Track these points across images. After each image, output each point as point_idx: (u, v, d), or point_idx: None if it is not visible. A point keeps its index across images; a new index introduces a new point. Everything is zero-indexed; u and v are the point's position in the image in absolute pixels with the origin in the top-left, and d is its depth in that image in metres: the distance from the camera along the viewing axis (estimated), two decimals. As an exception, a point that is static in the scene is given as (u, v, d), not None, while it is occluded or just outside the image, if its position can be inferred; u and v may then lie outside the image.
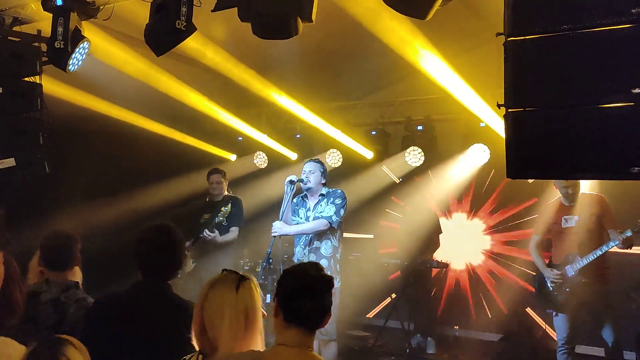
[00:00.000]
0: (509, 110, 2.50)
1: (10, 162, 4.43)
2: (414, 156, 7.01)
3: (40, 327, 2.78)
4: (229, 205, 5.75)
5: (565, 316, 4.77)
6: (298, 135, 7.93)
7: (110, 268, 4.78)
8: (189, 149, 7.70)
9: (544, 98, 2.48)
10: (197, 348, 2.18)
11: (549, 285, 4.84)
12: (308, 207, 4.91)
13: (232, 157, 8.36)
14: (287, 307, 2.04)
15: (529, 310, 6.68)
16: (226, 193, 6.08)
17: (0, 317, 1.91)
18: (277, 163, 8.00)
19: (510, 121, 2.50)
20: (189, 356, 2.18)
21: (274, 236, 4.62)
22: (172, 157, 7.58)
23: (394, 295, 6.77)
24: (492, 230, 7.15)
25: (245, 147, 8.24)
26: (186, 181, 7.55)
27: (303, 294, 2.03)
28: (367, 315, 7.49)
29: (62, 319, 2.84)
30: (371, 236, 7.65)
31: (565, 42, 2.40)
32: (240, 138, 8.18)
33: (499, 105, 2.53)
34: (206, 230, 5.52)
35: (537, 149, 2.48)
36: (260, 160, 8.19)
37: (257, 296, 2.20)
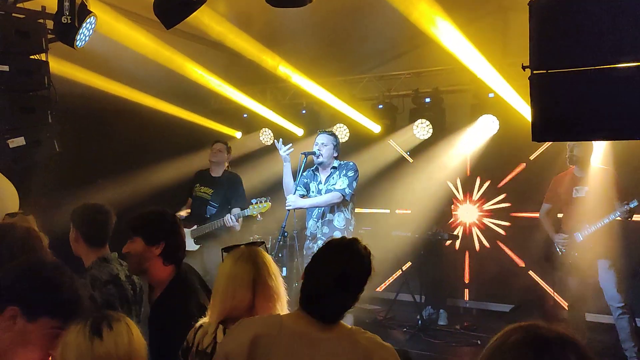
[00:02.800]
0: (534, 72, 2.47)
1: (20, 141, 4.38)
2: (422, 129, 6.95)
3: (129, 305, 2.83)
4: (221, 185, 5.70)
5: (573, 279, 5.09)
6: (304, 111, 7.87)
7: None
8: (195, 126, 7.65)
9: (569, 59, 2.44)
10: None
11: (558, 250, 5.14)
12: (319, 180, 4.89)
13: (238, 134, 8.32)
14: (308, 306, 1.93)
15: (539, 280, 6.71)
16: (226, 168, 5.89)
17: None
18: (283, 139, 7.93)
19: (536, 83, 2.47)
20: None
21: (288, 210, 4.60)
22: (178, 135, 7.54)
23: (404, 268, 6.78)
24: (503, 202, 7.15)
25: (250, 124, 8.18)
26: (193, 159, 7.50)
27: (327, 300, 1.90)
28: (377, 289, 7.51)
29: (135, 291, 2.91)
30: (380, 211, 7.64)
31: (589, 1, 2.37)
32: (245, 115, 8.12)
33: (523, 67, 2.49)
34: (230, 216, 5.39)
35: (562, 110, 2.47)
36: (266, 136, 8.13)
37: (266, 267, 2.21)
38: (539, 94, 2.47)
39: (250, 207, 5.32)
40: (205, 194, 5.77)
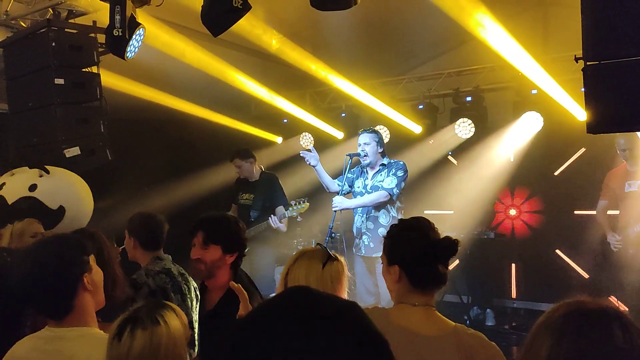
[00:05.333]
0: (588, 63, 2.44)
1: (75, 150, 4.55)
2: (464, 128, 6.90)
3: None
4: (259, 188, 5.72)
5: (631, 278, 4.80)
6: (343, 114, 7.91)
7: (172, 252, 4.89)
8: (238, 133, 7.77)
9: (625, 49, 2.40)
10: None
11: (612, 248, 4.98)
12: (366, 176, 4.92)
13: (279, 139, 8.41)
14: (414, 273, 1.98)
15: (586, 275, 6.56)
16: (258, 171, 5.89)
17: (106, 291, 2.07)
18: (323, 143, 8.00)
19: (590, 74, 2.44)
20: None
21: (335, 211, 4.64)
22: (221, 143, 7.66)
23: (450, 268, 6.71)
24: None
25: (291, 129, 8.26)
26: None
27: (431, 260, 1.97)
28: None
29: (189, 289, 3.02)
30: (424, 212, 7.60)
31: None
32: (285, 120, 8.21)
33: (576, 59, 2.47)
34: (274, 218, 5.42)
35: (618, 101, 2.42)
36: (306, 141, 8.20)
37: (344, 277, 2.19)
38: (593, 85, 2.45)
39: (290, 208, 5.38)
40: (247, 201, 5.86)
